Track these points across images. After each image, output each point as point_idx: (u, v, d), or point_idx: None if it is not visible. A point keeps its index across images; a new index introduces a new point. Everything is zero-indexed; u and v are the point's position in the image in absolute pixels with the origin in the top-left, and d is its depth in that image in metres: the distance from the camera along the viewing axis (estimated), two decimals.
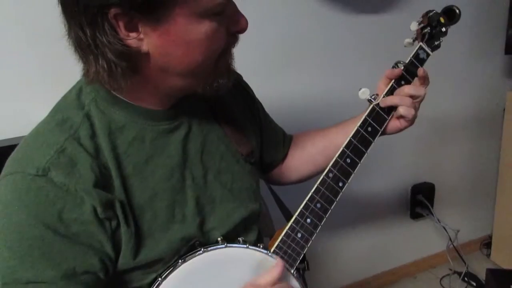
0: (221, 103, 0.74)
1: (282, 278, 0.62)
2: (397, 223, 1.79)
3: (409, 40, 0.83)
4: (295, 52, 1.36)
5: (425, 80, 0.77)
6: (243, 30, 0.60)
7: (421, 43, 0.82)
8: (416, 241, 1.85)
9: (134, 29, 0.53)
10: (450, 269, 1.83)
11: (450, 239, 1.82)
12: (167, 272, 0.62)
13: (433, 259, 1.90)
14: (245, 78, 0.85)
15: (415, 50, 0.82)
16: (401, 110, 0.75)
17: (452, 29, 0.82)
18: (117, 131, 0.60)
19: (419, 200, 1.74)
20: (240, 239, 0.69)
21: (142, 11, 0.51)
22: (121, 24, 0.52)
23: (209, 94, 0.62)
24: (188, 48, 0.56)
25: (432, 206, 1.77)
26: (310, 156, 0.88)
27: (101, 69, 0.54)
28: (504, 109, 1.74)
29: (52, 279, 0.53)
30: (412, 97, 0.75)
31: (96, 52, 0.53)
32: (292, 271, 0.69)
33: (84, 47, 0.54)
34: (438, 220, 1.78)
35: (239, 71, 0.80)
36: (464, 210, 1.94)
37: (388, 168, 1.70)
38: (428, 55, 0.82)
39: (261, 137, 0.85)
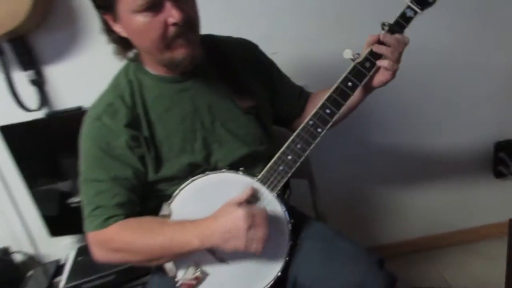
0: (229, 69, 0.96)
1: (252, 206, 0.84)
2: (479, 181, 1.74)
3: None
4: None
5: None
6: (175, 22, 0.77)
7: (408, 2, 0.89)
8: (500, 201, 1.76)
9: (116, 21, 0.82)
10: None
11: None
12: (184, 185, 0.89)
13: None
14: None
15: (402, 10, 0.89)
16: (384, 63, 0.87)
17: None
18: (146, 91, 0.90)
19: (502, 158, 1.65)
20: (241, 169, 0.91)
21: (105, 10, 0.81)
22: (108, 18, 0.83)
23: (173, 67, 0.85)
24: (135, 35, 0.82)
25: None
26: None
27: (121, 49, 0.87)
28: None
29: (104, 179, 0.87)
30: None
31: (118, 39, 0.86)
32: (274, 194, 0.90)
33: (112, 38, 0.87)
34: None
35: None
36: None
37: (470, 123, 1.65)
38: (415, 12, 0.89)
39: (276, 94, 1.05)
